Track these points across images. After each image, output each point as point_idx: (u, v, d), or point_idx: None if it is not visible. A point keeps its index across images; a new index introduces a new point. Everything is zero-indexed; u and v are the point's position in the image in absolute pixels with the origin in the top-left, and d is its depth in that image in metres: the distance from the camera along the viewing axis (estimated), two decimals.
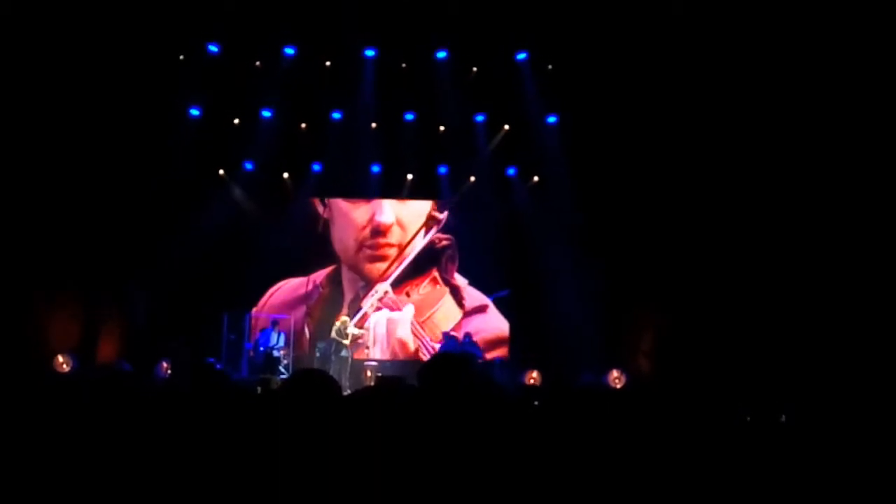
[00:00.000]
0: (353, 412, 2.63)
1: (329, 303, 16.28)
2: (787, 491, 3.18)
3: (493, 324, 16.13)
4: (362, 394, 2.82)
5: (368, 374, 14.79)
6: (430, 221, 16.43)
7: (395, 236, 16.42)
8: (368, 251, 16.38)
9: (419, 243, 16.38)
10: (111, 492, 2.78)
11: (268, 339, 15.00)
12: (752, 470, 3.27)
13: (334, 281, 16.44)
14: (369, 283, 16.32)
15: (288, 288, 16.38)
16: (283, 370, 14.64)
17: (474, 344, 14.93)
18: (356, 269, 16.40)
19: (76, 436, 3.04)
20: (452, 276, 16.30)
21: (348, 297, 16.35)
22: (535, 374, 14.63)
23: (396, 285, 16.29)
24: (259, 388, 11.58)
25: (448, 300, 16.23)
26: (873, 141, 12.35)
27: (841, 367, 11.45)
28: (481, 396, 2.71)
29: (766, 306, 12.93)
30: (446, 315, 16.16)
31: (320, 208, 16.44)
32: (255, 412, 3.01)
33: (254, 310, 16.08)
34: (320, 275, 16.43)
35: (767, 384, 11.37)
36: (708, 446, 3.43)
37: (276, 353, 14.80)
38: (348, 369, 14.68)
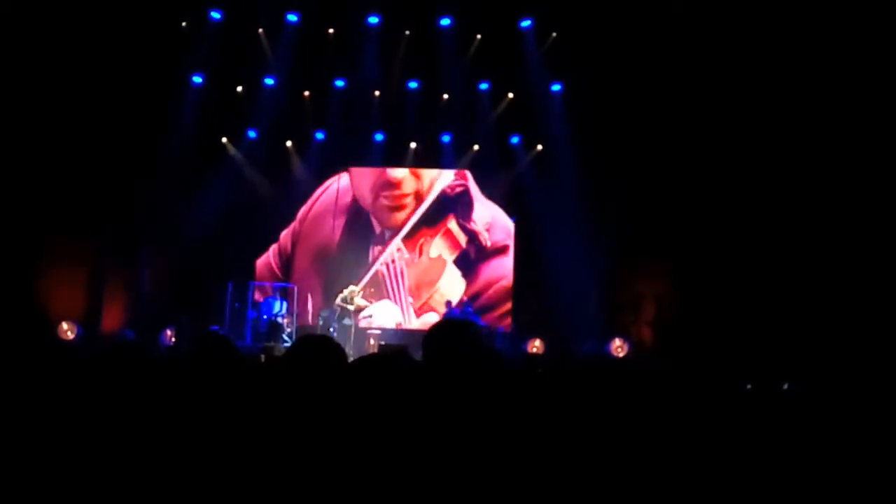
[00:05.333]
0: (358, 378, 2.63)
1: (361, 229, 16.22)
2: (788, 460, 3.19)
3: None
4: (366, 361, 2.82)
5: (371, 342, 14.84)
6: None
7: (409, 186, 16.21)
8: (385, 202, 16.22)
9: (434, 192, 16.18)
10: (114, 459, 2.79)
11: (270, 308, 15.04)
12: (754, 438, 3.28)
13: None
14: (389, 229, 16.19)
15: (333, 191, 16.33)
16: (286, 338, 14.69)
17: (475, 313, 14.95)
18: (377, 217, 16.28)
19: (80, 404, 3.06)
20: (470, 221, 16.08)
21: (377, 229, 16.25)
22: (537, 342, 14.67)
23: (411, 235, 16.11)
24: (263, 356, 11.70)
25: (448, 273, 16.03)
26: (877, 109, 12.33)
27: (844, 337, 11.47)
28: (485, 363, 2.71)
29: (769, 275, 12.94)
30: (451, 287, 15.94)
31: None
32: (259, 379, 3.02)
33: (300, 211, 16.18)
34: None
35: (770, 353, 11.40)
36: (709, 415, 3.45)
37: (279, 321, 14.85)
38: (351, 338, 14.73)
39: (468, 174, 16.14)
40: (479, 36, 14.92)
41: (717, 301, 13.25)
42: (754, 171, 13.26)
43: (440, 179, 16.20)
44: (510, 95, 15.42)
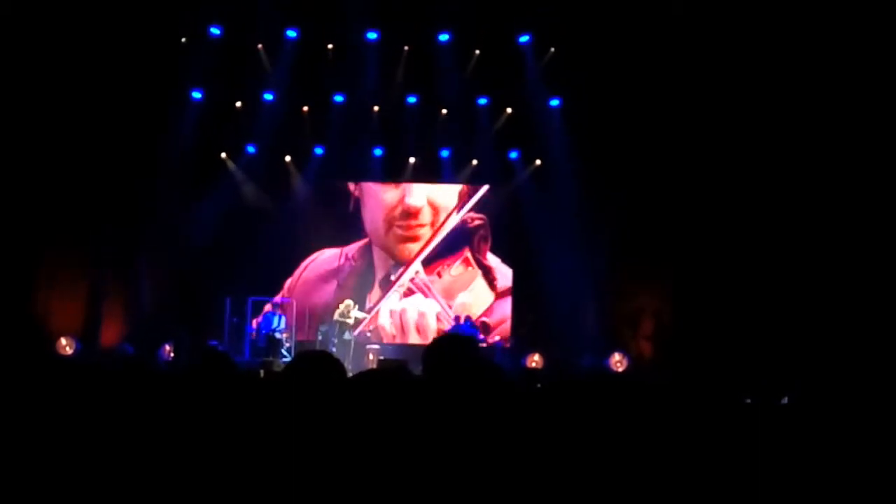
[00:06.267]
0: (357, 394, 2.63)
1: (361, 278, 16.03)
2: (788, 473, 3.19)
3: None
4: (365, 376, 2.82)
5: (371, 357, 14.82)
6: (462, 200, 16.12)
7: (426, 217, 16.10)
8: (399, 231, 16.06)
9: (451, 223, 16.06)
10: (113, 475, 2.79)
11: (269, 323, 15.00)
12: (754, 453, 3.27)
13: (366, 256, 16.14)
14: (400, 263, 16.05)
15: (322, 260, 16.13)
16: (285, 353, 14.66)
17: (474, 327, 14.91)
18: (387, 250, 16.11)
19: (79, 419, 3.05)
20: (485, 257, 15.99)
21: (379, 274, 16.07)
22: (536, 357, 14.65)
23: (427, 264, 15.99)
24: (262, 372, 11.68)
25: (479, 283, 15.94)
26: (873, 117, 12.36)
27: (844, 350, 11.46)
28: (485, 378, 2.71)
29: (768, 289, 12.95)
30: (477, 298, 15.90)
31: (351, 186, 16.19)
32: (259, 394, 3.02)
33: (287, 282, 15.97)
34: (353, 248, 16.13)
35: (769, 367, 11.39)
36: (708, 429, 3.44)
37: (277, 336, 14.82)
38: (351, 353, 14.69)
39: (486, 219, 16.11)
40: (477, 51, 14.95)
41: (717, 315, 13.25)
42: (753, 186, 13.29)
43: (451, 217, 16.12)
44: (509, 110, 15.42)
